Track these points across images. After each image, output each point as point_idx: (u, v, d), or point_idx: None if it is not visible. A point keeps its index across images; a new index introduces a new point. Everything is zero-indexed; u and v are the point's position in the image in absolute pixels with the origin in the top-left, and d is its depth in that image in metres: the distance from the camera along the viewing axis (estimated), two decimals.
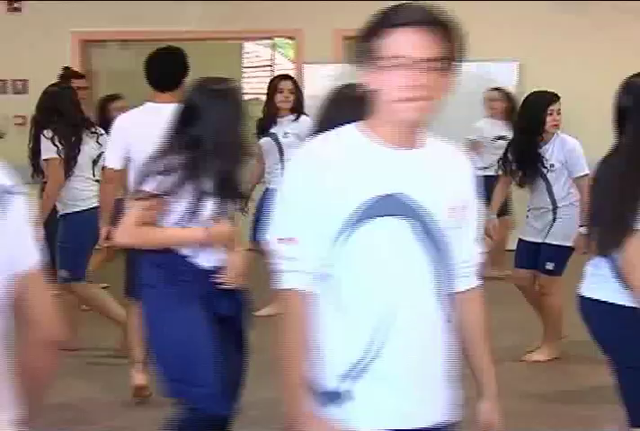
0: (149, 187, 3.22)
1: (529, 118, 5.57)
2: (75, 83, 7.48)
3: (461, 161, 2.21)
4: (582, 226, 4.99)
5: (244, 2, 9.94)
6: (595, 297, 3.16)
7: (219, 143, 3.37)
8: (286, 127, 6.89)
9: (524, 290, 5.71)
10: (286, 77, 7.37)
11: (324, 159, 2.04)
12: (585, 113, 9.61)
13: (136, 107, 5.38)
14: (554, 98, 5.57)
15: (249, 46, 11.18)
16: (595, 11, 9.58)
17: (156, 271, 3.35)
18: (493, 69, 9.80)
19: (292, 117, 6.91)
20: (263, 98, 7.62)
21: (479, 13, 9.60)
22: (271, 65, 11.09)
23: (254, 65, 11.18)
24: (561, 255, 5.49)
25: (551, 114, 5.48)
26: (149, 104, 4.74)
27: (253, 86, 10.87)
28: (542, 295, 5.62)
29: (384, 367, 2.00)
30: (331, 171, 2.02)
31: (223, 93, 3.44)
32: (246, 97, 10.82)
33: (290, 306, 2.05)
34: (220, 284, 3.14)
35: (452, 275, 2.12)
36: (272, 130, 6.98)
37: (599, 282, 3.14)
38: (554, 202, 5.48)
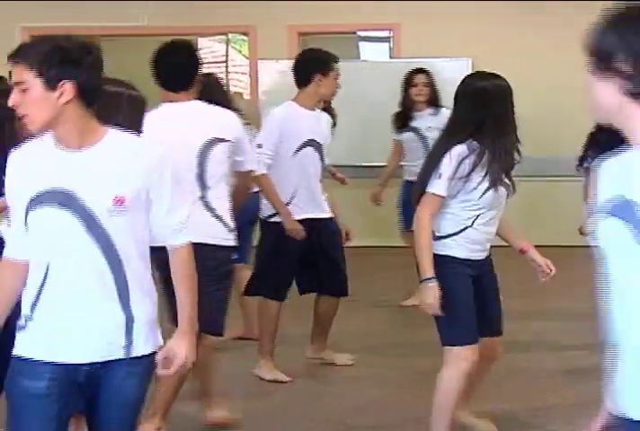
0: None
1: None
2: None
3: (140, 152, 2.66)
4: None
5: None
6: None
7: None
8: (428, 121, 6.96)
9: None
10: (420, 71, 7.40)
11: (21, 157, 2.65)
12: (538, 109, 9.64)
13: None
14: None
15: (203, 41, 11.18)
16: (551, 8, 9.63)
17: None
18: (447, 66, 9.69)
19: (431, 110, 7.01)
20: None
21: (433, 11, 9.80)
22: (225, 61, 11.11)
23: (209, 60, 10.91)
24: None
25: None
26: (167, 105, 4.46)
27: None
28: None
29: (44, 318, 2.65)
30: (23, 167, 2.63)
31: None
32: None
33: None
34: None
35: (124, 251, 2.62)
36: (413, 125, 7.09)
37: None
38: None
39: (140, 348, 2.73)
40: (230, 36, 11.13)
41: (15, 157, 2.72)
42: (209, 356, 4.50)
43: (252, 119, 10.01)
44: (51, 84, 2.56)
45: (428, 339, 4.69)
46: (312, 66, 5.14)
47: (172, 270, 2.84)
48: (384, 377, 5.39)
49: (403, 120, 7.11)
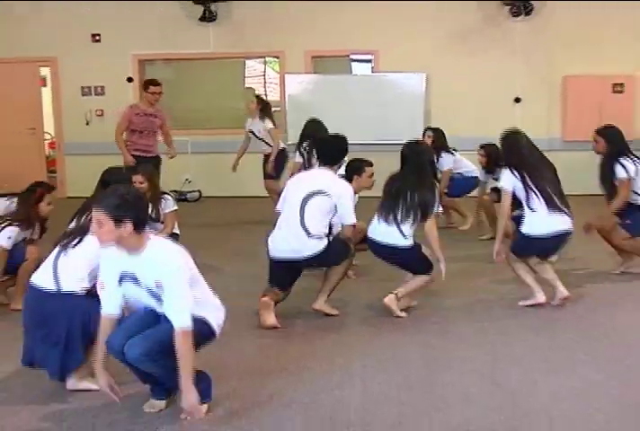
0: None
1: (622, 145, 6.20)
2: (152, 89, 8.58)
3: (158, 259, 3.31)
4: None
5: (246, 32, 11.58)
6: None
7: None
8: None
9: None
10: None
11: (111, 252, 3.45)
12: (478, 112, 11.07)
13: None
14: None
15: (249, 62, 12.09)
16: (489, 33, 11.32)
17: None
18: (405, 79, 11.14)
19: None
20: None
21: (400, 43, 11.35)
22: (263, 76, 12.00)
23: (252, 75, 12.07)
24: None
25: None
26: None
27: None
28: None
29: None
30: (112, 258, 3.45)
31: None
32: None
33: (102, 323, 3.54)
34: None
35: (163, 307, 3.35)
36: None
37: None
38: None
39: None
40: (267, 58, 11.91)
41: (107, 250, 3.42)
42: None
43: (279, 113, 11.01)
44: (118, 224, 3.27)
45: None
46: (351, 170, 5.63)
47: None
48: None
49: None
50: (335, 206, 5.05)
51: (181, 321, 3.31)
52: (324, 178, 5.15)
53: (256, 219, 8.96)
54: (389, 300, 5.20)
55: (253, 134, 9.32)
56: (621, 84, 11.34)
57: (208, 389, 3.70)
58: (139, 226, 3.34)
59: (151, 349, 3.36)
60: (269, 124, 9.19)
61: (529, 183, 5.32)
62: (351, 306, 5.63)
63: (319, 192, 5.06)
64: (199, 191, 12.00)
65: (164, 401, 3.77)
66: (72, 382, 4.04)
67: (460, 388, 4.02)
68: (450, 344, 4.77)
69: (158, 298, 3.41)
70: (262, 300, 5.06)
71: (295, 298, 5.47)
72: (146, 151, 8.53)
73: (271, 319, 5.02)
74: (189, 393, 3.32)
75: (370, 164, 5.66)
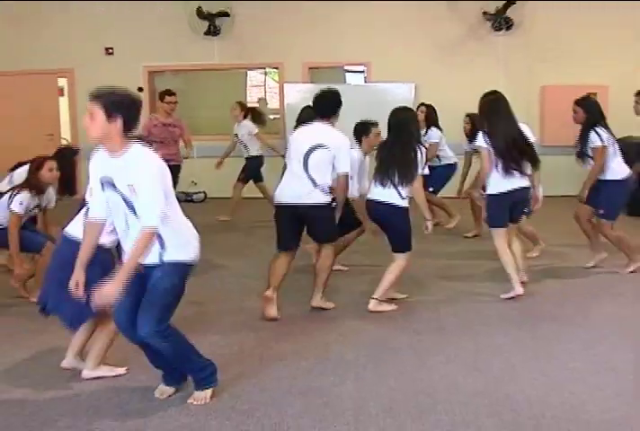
0: None
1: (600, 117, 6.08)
2: (168, 99, 8.32)
3: (135, 162, 3.16)
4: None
5: (247, 45, 11.57)
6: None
7: None
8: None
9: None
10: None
11: (95, 157, 3.36)
12: (462, 119, 9.27)
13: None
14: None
15: (250, 73, 12.20)
16: (472, 46, 11.34)
17: None
18: (395, 89, 11.05)
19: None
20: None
21: (390, 54, 11.32)
22: (263, 85, 12.15)
23: (254, 85, 12.22)
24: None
25: None
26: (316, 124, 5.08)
27: (253, 98, 12.10)
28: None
29: None
30: (97, 163, 3.35)
31: None
32: (250, 105, 10.86)
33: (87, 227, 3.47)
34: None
35: (138, 212, 3.19)
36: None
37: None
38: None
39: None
40: (267, 69, 12.00)
41: (94, 156, 3.34)
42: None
43: (279, 120, 11.35)
44: (110, 118, 3.16)
45: None
46: (359, 132, 5.90)
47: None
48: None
49: None
50: (334, 158, 5.04)
51: (148, 221, 3.21)
52: (322, 131, 5.12)
53: (257, 219, 9.02)
54: (373, 306, 5.24)
55: (237, 137, 9.49)
56: (594, 94, 11.24)
57: (214, 374, 3.73)
58: (127, 127, 3.24)
59: (155, 321, 3.29)
60: (254, 129, 9.32)
61: (497, 149, 5.36)
62: (346, 299, 5.65)
63: (319, 146, 5.03)
64: (204, 193, 12.01)
65: (174, 388, 3.79)
66: (87, 372, 4.04)
67: (447, 375, 4.04)
68: (437, 334, 4.79)
69: (133, 208, 3.29)
70: (264, 294, 5.07)
71: (294, 294, 5.53)
72: (167, 160, 7.98)
73: (272, 311, 5.06)
74: (115, 283, 3.13)
75: (376, 125, 5.78)
